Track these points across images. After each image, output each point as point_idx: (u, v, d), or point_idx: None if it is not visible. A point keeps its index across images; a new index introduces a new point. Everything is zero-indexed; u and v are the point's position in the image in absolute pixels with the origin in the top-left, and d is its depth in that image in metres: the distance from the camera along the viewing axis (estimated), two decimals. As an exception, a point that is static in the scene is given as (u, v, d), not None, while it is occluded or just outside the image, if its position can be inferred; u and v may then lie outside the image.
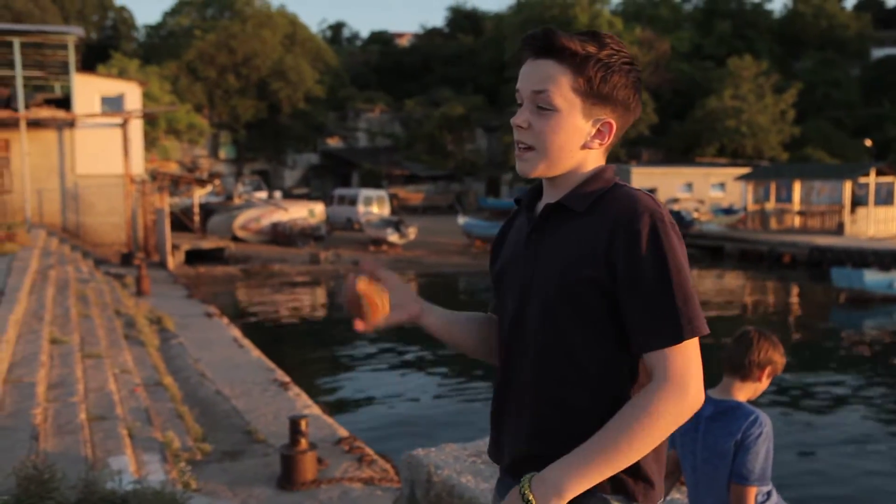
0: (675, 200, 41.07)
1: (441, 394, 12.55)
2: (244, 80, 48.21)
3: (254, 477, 6.26)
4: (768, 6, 77.02)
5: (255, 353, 11.21)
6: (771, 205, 35.17)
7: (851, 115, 54.89)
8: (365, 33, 76.43)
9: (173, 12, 56.58)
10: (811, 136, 51.66)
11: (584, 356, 1.63)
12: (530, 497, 1.55)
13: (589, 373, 1.64)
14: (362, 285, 1.77)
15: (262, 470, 6.42)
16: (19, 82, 23.01)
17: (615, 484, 1.62)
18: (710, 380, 3.03)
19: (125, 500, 4.16)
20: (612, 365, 1.64)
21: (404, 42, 73.01)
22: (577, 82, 1.63)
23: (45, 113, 23.75)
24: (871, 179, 33.12)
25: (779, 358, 2.86)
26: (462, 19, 68.80)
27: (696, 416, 2.88)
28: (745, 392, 2.86)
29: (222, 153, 52.06)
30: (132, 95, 25.99)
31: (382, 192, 38.02)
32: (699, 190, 43.93)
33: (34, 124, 23.38)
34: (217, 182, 35.77)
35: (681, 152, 51.86)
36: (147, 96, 32.32)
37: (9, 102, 23.58)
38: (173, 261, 23.15)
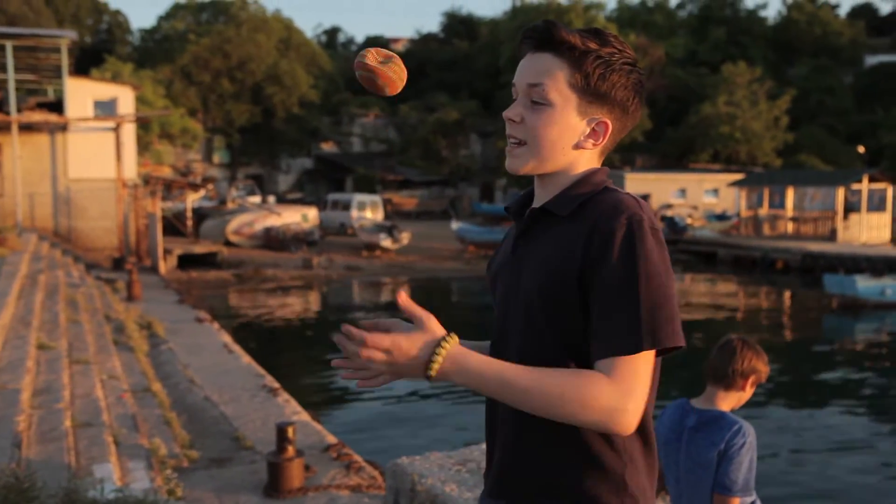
0: (669, 206, 41.11)
1: (431, 393, 12.52)
2: (238, 84, 48.16)
3: (240, 484, 6.21)
4: (762, 13, 77.23)
5: (245, 358, 11.16)
6: (764, 211, 35.23)
7: (845, 122, 55.05)
8: (360, 38, 76.33)
9: (168, 16, 56.54)
10: (804, 142, 51.80)
11: (562, 364, 1.55)
12: (440, 355, 1.48)
13: None
14: (371, 59, 1.66)
15: (249, 477, 6.37)
16: (11, 86, 22.94)
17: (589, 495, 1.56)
18: (696, 389, 3.01)
19: (106, 509, 4.11)
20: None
21: (399, 47, 73.08)
22: (574, 77, 1.58)
23: (38, 117, 23.68)
24: (864, 186, 33.21)
25: (762, 366, 2.83)
26: (457, 25, 68.89)
27: (680, 426, 2.86)
28: (728, 401, 2.83)
29: (216, 157, 51.96)
30: (125, 99, 25.94)
31: (376, 197, 37.98)
32: (693, 196, 43.99)
33: (26, 128, 23.31)
34: (210, 186, 35.69)
35: (675, 158, 51.95)
36: (141, 100, 32.28)
37: (1, 106, 23.50)
38: (165, 265, 23.07)
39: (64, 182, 23.95)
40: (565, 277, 1.53)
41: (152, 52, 52.76)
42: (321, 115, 53.05)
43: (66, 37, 24.47)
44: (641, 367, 1.47)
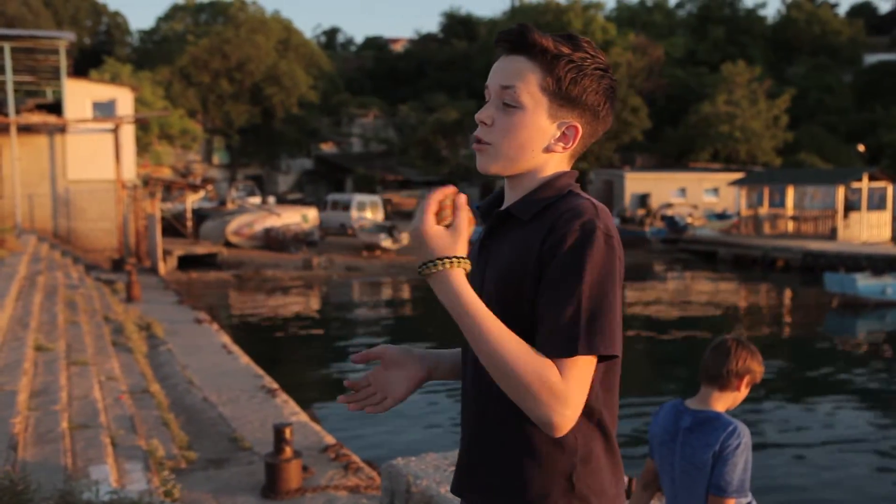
0: (669, 205, 41.09)
1: (428, 396, 12.49)
2: (238, 85, 48.14)
3: (238, 485, 6.19)
4: (762, 12, 77.10)
5: (244, 359, 11.14)
6: (764, 210, 35.21)
7: (844, 121, 55.03)
8: (359, 39, 76.37)
9: (167, 17, 56.56)
10: (804, 141, 51.78)
11: None
12: (437, 269, 1.53)
13: None
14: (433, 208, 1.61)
15: (247, 478, 6.35)
16: (10, 87, 22.93)
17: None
18: (694, 389, 2.99)
19: (100, 510, 4.09)
20: None
21: (399, 48, 73.08)
22: (545, 81, 1.59)
23: (36, 118, 23.67)
24: (864, 184, 33.19)
25: (757, 367, 2.81)
26: (456, 25, 68.88)
27: (675, 427, 2.83)
28: (723, 402, 2.81)
29: (216, 158, 51.94)
30: (124, 101, 25.93)
31: (376, 198, 37.96)
32: (693, 195, 43.98)
33: (25, 129, 23.31)
34: (210, 187, 35.68)
35: (674, 157, 51.95)
36: (140, 101, 32.27)
37: (-1, 107, 23.53)
38: (165, 266, 23.06)
39: (63, 183, 23.94)
40: (521, 281, 1.56)
41: (151, 54, 52.78)
42: (321, 116, 53.03)
43: (65, 38, 24.48)
44: (581, 372, 1.48)
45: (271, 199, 39.43)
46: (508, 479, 1.60)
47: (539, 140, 1.62)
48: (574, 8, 53.97)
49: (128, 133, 25.57)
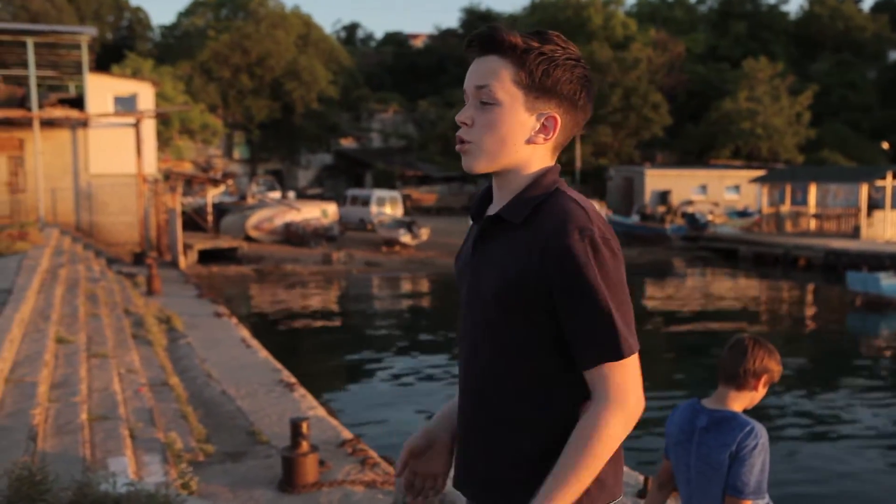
0: (690, 202, 40.84)
1: (449, 394, 12.49)
2: (258, 80, 48.25)
3: (255, 479, 6.22)
4: (784, 8, 76.60)
5: (263, 353, 11.18)
6: (786, 208, 34.92)
7: (868, 118, 54.45)
8: (379, 34, 76.28)
9: (188, 13, 56.74)
10: (827, 138, 51.29)
11: (523, 370, 1.64)
12: None
13: (530, 387, 1.64)
14: None
15: (264, 472, 6.37)
16: (33, 82, 23.09)
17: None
18: (709, 388, 2.96)
19: (118, 502, 4.11)
20: (553, 379, 1.63)
21: (419, 43, 73.03)
22: (518, 76, 1.63)
23: (59, 112, 23.83)
24: (888, 182, 32.83)
25: (775, 366, 2.77)
26: (476, 20, 68.73)
27: (691, 427, 2.80)
28: (740, 402, 2.77)
29: (236, 153, 52.12)
30: (145, 95, 26.07)
31: (395, 193, 37.97)
32: (714, 192, 43.68)
33: (48, 124, 23.49)
34: (230, 182, 35.81)
35: (695, 154, 51.61)
36: (161, 96, 32.41)
37: (23, 102, 23.68)
38: (185, 260, 23.19)
39: (85, 177, 24.13)
40: (521, 290, 1.61)
41: (172, 49, 53.00)
42: (340, 111, 53.06)
43: (87, 34, 24.62)
44: (630, 371, 1.59)
45: (291, 194, 39.51)
46: (505, 473, 1.64)
47: (519, 133, 1.66)
48: (594, 4, 53.67)
49: (149, 127, 25.71)
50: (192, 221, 28.15)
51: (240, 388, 9.12)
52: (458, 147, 1.71)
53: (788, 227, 34.06)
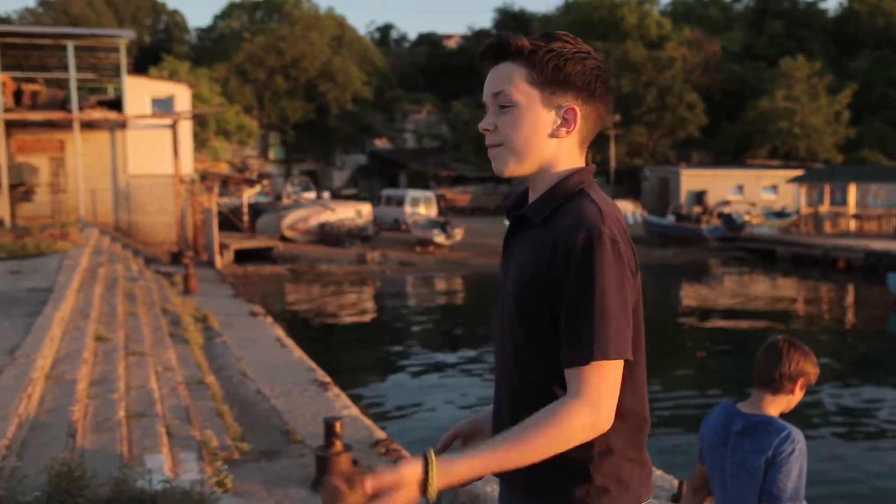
0: (726, 203, 40.42)
1: (485, 396, 12.48)
2: (293, 81, 48.57)
3: (289, 477, 6.26)
4: (822, 5, 75.49)
5: (297, 352, 11.25)
6: (825, 208, 34.42)
7: (909, 116, 53.48)
8: (413, 35, 76.29)
9: (223, 15, 57.24)
10: (867, 137, 50.46)
11: (534, 368, 1.68)
12: (432, 475, 1.54)
13: (543, 385, 1.68)
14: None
15: (298, 471, 6.41)
16: (73, 84, 23.45)
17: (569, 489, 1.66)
18: (745, 392, 2.92)
19: (154, 499, 4.17)
20: (562, 378, 1.64)
21: (452, 44, 73.03)
22: (530, 75, 1.69)
23: (98, 114, 24.18)
24: (931, 182, 32.28)
25: (811, 368, 2.71)
26: (510, 21, 68.59)
27: (726, 431, 2.76)
28: (776, 406, 2.72)
29: (271, 154, 52.52)
30: (182, 97, 26.37)
31: (429, 193, 38.02)
32: (750, 192, 43.19)
33: (87, 125, 23.84)
34: (266, 182, 36.10)
35: (732, 154, 51.05)
36: (197, 98, 32.75)
37: (63, 104, 24.05)
38: (221, 260, 23.42)
39: (124, 178, 24.47)
40: (532, 288, 1.65)
41: (208, 51, 53.50)
42: (374, 112, 53.23)
43: (125, 37, 24.97)
44: (607, 375, 1.57)
45: (326, 195, 39.73)
46: (528, 472, 1.64)
47: (542, 129, 1.71)
48: (628, 3, 53.29)
49: (186, 129, 25.99)
50: (228, 221, 28.43)
51: (274, 387, 9.18)
52: (489, 154, 1.76)
53: (827, 227, 33.57)
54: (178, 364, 9.15)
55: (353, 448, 6.43)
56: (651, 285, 22.77)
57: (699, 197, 41.90)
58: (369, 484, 1.49)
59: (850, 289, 25.09)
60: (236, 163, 42.81)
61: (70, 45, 23.30)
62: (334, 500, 1.50)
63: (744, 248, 32.42)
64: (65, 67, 24.11)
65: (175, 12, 64.73)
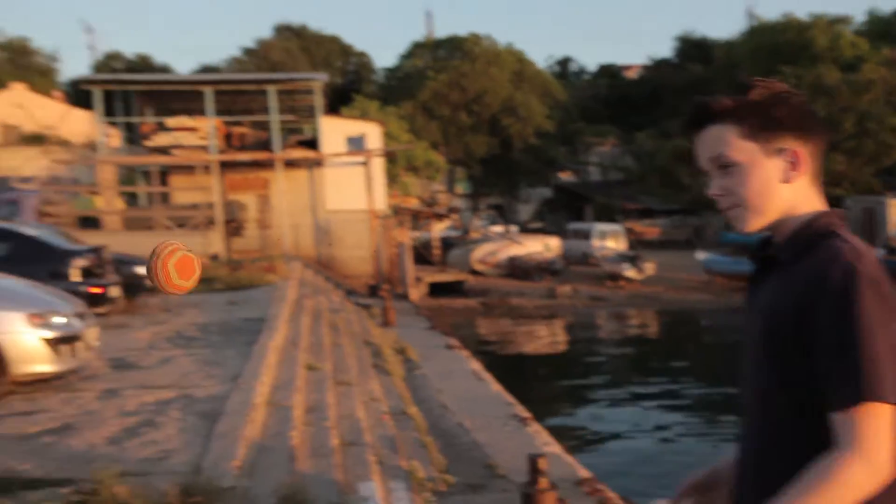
0: (939, 233, 37.19)
1: (686, 432, 11.94)
2: (476, 116, 49.32)
3: (496, 512, 6.15)
4: None
5: (495, 386, 11.21)
6: None
7: None
8: (592, 67, 75.65)
9: (408, 55, 59.05)
10: None
11: (786, 411, 1.62)
12: None
13: (794, 430, 1.60)
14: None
15: (503, 506, 6.30)
16: (275, 126, 24.83)
17: None
18: None
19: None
20: (818, 428, 1.55)
21: (632, 74, 71.97)
22: (742, 131, 1.68)
23: (297, 154, 25.49)
24: None
25: None
26: (691, 48, 66.77)
27: None
28: None
29: (458, 188, 53.44)
30: (373, 135, 27.35)
31: (617, 227, 37.36)
32: (970, 221, 39.60)
33: (288, 164, 25.15)
34: (454, 216, 36.75)
35: (946, 180, 47.07)
36: (387, 135, 33.87)
37: (266, 145, 25.51)
38: (416, 292, 23.93)
39: (322, 213, 25.59)
40: (785, 328, 1.58)
41: (395, 90, 55.29)
42: (557, 145, 53.15)
43: (319, 80, 26.32)
44: (880, 420, 1.49)
45: (513, 228, 39.95)
46: None
47: (772, 178, 1.68)
48: (818, 24, 50.50)
49: (378, 165, 26.88)
50: (420, 255, 29.06)
51: (474, 420, 9.15)
52: (728, 215, 1.75)
53: None
54: (382, 394, 9.30)
55: (558, 486, 6.26)
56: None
57: (910, 228, 38.84)
58: None
59: None
60: (425, 197, 43.86)
61: (271, 89, 24.73)
62: None
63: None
64: (267, 110, 25.59)
65: (363, 54, 67.46)
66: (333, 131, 26.40)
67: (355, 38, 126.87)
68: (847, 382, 1.49)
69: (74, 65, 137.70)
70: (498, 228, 37.96)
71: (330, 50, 64.05)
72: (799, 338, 1.56)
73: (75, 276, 10.21)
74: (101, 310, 9.41)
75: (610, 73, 72.91)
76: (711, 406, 13.34)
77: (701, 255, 30.80)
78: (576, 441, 11.22)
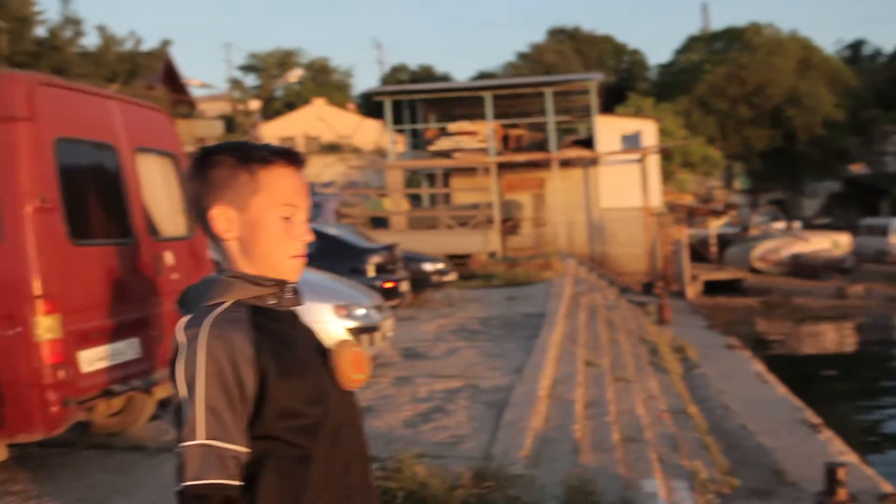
0: None
1: None
2: (756, 109, 47.07)
3: (787, 519, 5.93)
4: None
5: (781, 389, 10.73)
6: None
7: None
8: (889, 48, 68.99)
9: (683, 50, 57.43)
10: None
11: None
12: None
13: None
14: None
15: (795, 513, 6.05)
16: (551, 127, 25.28)
17: None
18: None
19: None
20: None
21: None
22: None
23: (573, 153, 25.77)
24: None
25: None
26: None
27: None
28: None
29: (736, 184, 51.32)
30: (648, 132, 27.01)
31: (919, 222, 34.02)
32: None
33: (563, 164, 25.53)
34: (732, 213, 35.37)
35: None
36: (662, 132, 33.21)
37: (542, 145, 26.03)
38: (691, 290, 23.36)
39: (596, 211, 25.70)
40: None
41: (670, 85, 53.95)
42: (848, 135, 49.25)
43: (594, 79, 26.37)
44: None
45: (796, 224, 37.75)
46: None
47: None
48: None
49: (653, 163, 26.51)
50: (695, 252, 28.34)
51: (759, 424, 8.84)
52: None
53: None
54: (659, 392, 9.23)
55: (858, 499, 5.92)
56: None
57: None
58: None
59: None
60: (701, 194, 42.54)
61: (548, 91, 25.17)
62: None
63: None
64: (543, 112, 26.07)
65: (636, 51, 66.41)
66: (608, 130, 26.40)
67: (628, 37, 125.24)
68: None
69: (365, 79, 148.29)
70: (779, 225, 36.08)
71: (603, 49, 63.91)
72: None
73: (371, 271, 11.05)
74: (392, 303, 10.13)
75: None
76: None
77: None
78: (872, 451, 10.43)
